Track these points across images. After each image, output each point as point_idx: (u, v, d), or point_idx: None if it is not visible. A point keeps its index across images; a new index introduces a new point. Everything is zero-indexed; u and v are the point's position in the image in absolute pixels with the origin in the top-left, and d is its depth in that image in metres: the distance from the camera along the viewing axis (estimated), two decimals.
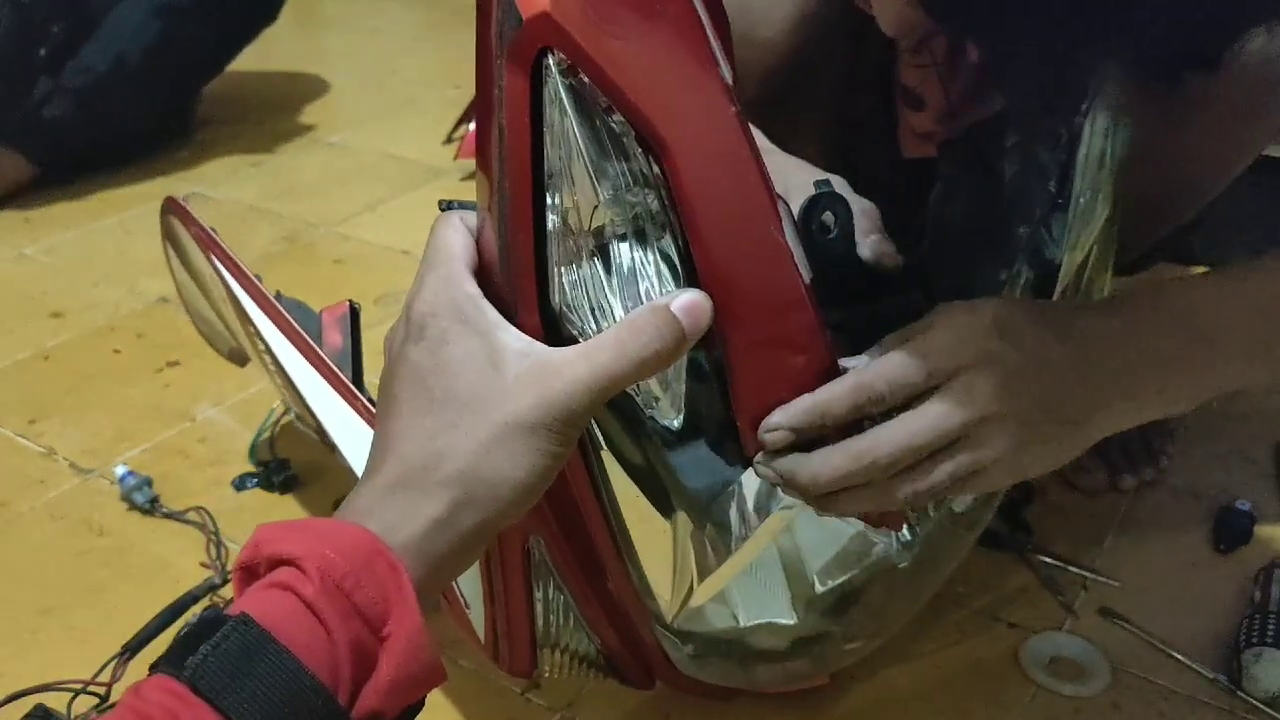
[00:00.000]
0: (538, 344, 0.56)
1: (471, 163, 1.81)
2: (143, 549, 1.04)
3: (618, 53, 0.53)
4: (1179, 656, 0.88)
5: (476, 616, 0.73)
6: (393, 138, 1.95)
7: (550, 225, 0.56)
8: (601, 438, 0.62)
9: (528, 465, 0.54)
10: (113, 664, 0.89)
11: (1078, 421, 0.63)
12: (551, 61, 0.53)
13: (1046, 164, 0.77)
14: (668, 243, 0.57)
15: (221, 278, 0.96)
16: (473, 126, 1.76)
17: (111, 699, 0.87)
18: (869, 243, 0.71)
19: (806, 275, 0.58)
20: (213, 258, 0.97)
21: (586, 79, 0.53)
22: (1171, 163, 0.87)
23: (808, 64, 0.93)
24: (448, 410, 0.54)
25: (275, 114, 2.05)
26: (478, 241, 0.59)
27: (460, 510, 0.53)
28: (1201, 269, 1.39)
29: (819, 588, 0.74)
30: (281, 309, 0.91)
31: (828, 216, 0.67)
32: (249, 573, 0.51)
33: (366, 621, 0.49)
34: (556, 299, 0.57)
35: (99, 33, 1.77)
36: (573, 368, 0.54)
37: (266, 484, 1.10)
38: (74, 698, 0.86)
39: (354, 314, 0.93)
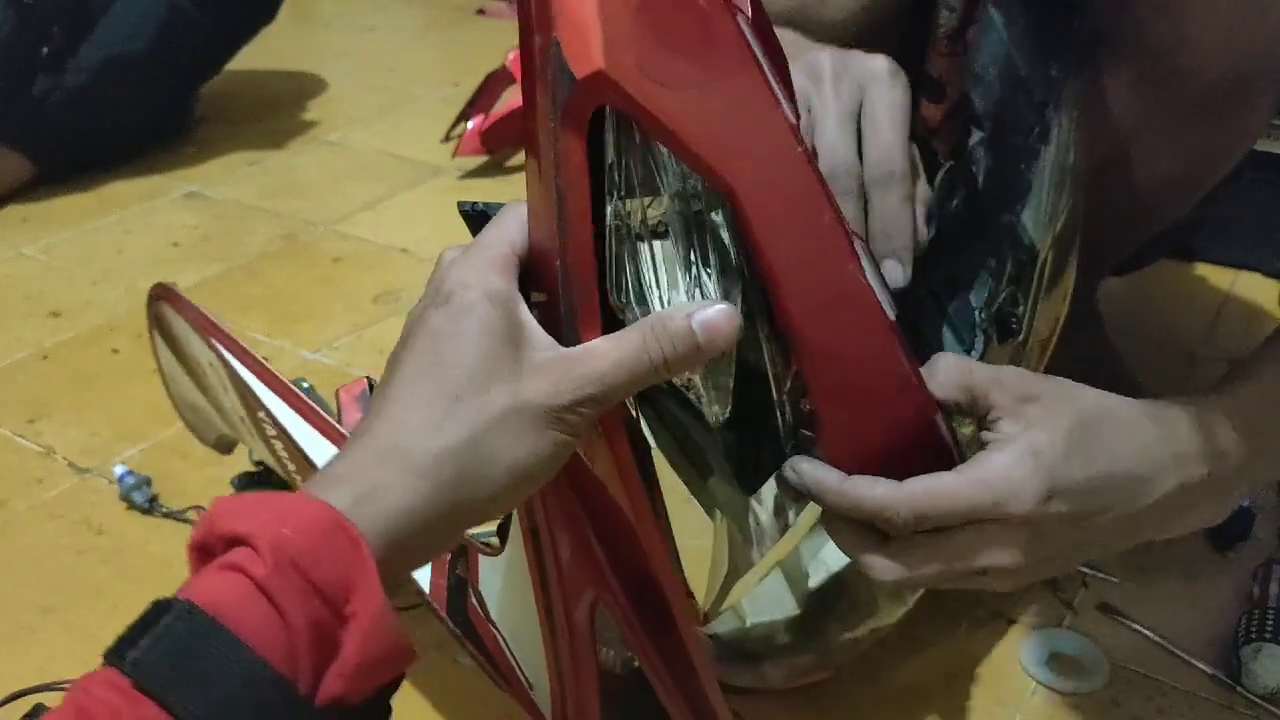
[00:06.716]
0: (561, 346, 0.54)
1: (469, 161, 1.82)
2: (142, 548, 1.04)
3: (676, 104, 0.51)
4: (1178, 653, 0.89)
5: (541, 696, 0.70)
6: (391, 136, 1.95)
7: (613, 301, 0.55)
8: (651, 435, 0.61)
9: (528, 448, 0.52)
10: None
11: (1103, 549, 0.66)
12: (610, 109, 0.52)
13: (1022, 154, 0.77)
14: (730, 259, 0.56)
15: (225, 362, 0.92)
16: (471, 125, 1.76)
17: None
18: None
19: (891, 313, 0.55)
20: (214, 342, 0.93)
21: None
22: (1148, 160, 0.87)
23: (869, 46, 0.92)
24: (455, 379, 0.52)
25: (274, 113, 2.05)
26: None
27: (446, 486, 0.51)
28: (1199, 267, 1.40)
29: (813, 580, 0.75)
30: (293, 387, 0.90)
31: None
32: (204, 552, 0.48)
33: (326, 601, 0.46)
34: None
35: (98, 31, 1.77)
36: (592, 360, 0.53)
37: (266, 484, 1.10)
38: None
39: (372, 389, 0.92)
